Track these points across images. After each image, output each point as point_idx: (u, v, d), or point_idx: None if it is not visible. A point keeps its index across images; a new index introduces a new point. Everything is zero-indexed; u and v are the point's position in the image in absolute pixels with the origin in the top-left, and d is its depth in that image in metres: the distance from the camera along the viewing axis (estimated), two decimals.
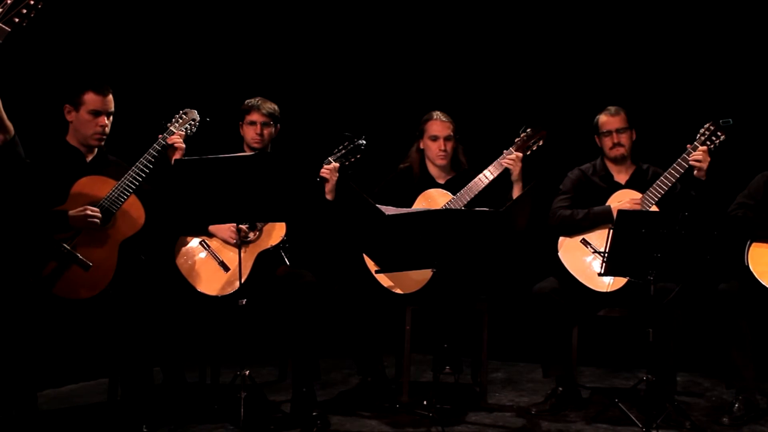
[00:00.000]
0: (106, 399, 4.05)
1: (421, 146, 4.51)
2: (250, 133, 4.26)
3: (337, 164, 4.19)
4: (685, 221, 3.54)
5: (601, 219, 4.15)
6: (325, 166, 4.17)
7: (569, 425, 3.96)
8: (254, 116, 4.25)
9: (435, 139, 4.44)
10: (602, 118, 4.37)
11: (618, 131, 4.30)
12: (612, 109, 4.36)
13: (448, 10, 5.55)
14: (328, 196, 4.19)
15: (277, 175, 3.58)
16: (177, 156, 3.89)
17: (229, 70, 5.41)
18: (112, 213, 3.69)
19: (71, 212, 3.61)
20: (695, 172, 4.08)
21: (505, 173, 4.32)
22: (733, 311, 3.96)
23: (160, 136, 3.90)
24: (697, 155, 4.07)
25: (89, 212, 3.61)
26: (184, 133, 3.94)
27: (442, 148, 4.43)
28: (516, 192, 4.31)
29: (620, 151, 4.31)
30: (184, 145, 3.93)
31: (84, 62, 4.66)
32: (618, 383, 4.78)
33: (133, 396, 3.73)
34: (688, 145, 4.10)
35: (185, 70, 5.23)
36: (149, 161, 3.78)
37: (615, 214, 4.04)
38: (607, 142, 4.33)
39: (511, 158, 4.30)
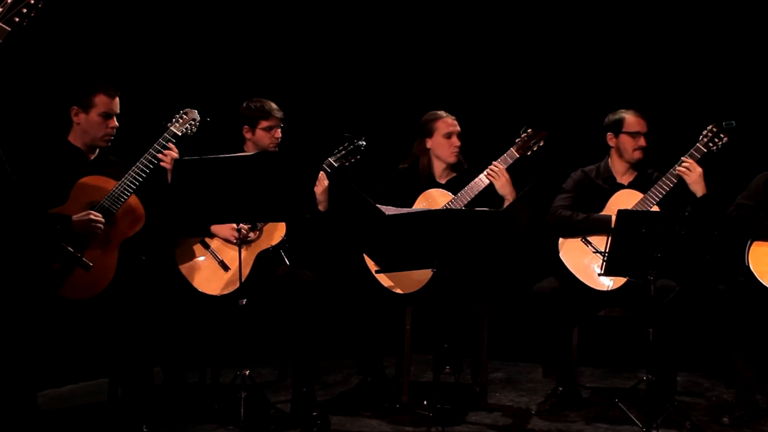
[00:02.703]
0: (106, 399, 4.04)
1: (428, 145, 4.48)
2: (267, 139, 4.23)
3: (323, 174, 4.14)
4: (685, 221, 3.54)
5: (600, 226, 4.12)
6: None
7: (569, 425, 3.96)
8: (271, 121, 4.23)
9: (450, 136, 4.42)
10: (631, 118, 4.26)
11: (645, 135, 4.24)
12: (638, 111, 4.25)
13: (448, 9, 5.55)
14: (320, 207, 4.16)
15: (277, 175, 3.58)
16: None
17: (229, 70, 5.40)
18: (112, 213, 3.69)
19: (75, 217, 3.59)
20: (689, 186, 4.08)
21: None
22: (733, 311, 3.96)
23: (164, 134, 3.89)
24: (685, 164, 4.06)
25: (92, 217, 3.60)
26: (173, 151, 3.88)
27: (457, 144, 4.43)
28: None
29: (642, 155, 4.25)
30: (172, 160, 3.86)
31: (84, 62, 4.65)
32: (618, 383, 4.77)
33: (133, 396, 3.73)
34: (692, 149, 4.11)
35: (185, 70, 5.22)
36: (149, 161, 3.78)
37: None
38: (632, 143, 4.24)
39: (494, 172, 4.26)
